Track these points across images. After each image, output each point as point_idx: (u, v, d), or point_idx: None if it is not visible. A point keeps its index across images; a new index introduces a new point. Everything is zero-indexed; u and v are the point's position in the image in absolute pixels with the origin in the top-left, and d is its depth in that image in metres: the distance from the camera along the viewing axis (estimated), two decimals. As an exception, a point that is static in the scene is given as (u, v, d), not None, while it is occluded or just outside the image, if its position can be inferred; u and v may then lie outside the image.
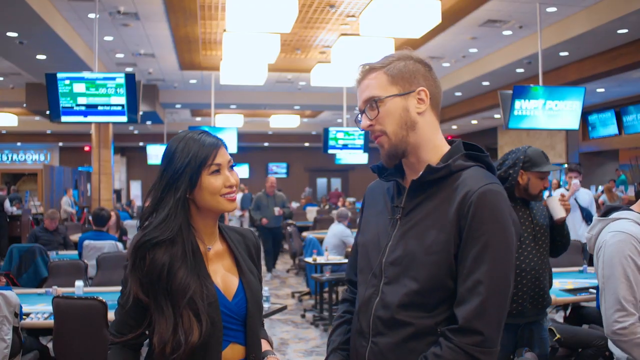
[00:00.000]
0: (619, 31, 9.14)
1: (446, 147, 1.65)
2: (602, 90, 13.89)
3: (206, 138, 1.72)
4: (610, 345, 2.36)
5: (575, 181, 6.96)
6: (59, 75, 7.05)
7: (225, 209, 1.72)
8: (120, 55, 12.01)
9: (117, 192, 21.96)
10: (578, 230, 6.88)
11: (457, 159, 1.60)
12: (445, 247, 1.52)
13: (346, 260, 7.48)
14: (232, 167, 1.75)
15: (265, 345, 1.88)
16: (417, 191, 1.61)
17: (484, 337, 1.45)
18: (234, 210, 1.75)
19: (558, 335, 3.56)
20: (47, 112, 7.33)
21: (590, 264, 6.22)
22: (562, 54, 10.58)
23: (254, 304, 1.78)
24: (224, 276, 1.76)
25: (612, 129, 15.64)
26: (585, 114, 15.29)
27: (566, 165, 7.35)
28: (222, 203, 1.71)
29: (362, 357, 1.63)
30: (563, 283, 5.02)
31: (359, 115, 1.69)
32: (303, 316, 7.44)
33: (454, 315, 1.51)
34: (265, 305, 4.70)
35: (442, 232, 1.53)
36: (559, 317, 6.05)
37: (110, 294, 4.62)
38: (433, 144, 1.63)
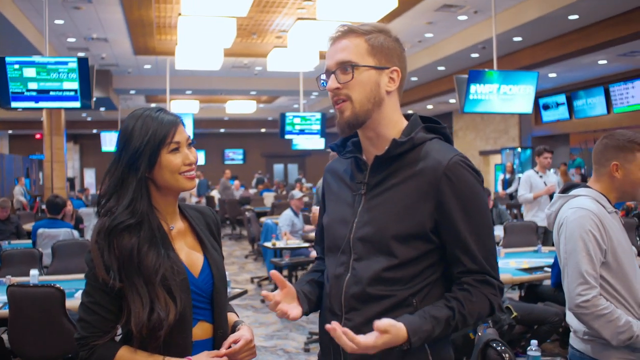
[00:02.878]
0: (570, 17, 9.34)
1: (403, 122, 1.66)
2: (554, 75, 14.18)
3: (164, 116, 1.69)
4: (569, 318, 2.42)
5: (555, 179, 7.10)
6: (8, 59, 6.81)
7: (185, 187, 1.70)
8: (71, 40, 11.72)
9: (71, 180, 21.50)
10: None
11: (418, 131, 1.61)
12: (420, 220, 1.54)
13: (305, 244, 7.52)
14: (190, 144, 1.73)
15: (233, 317, 1.87)
16: (381, 166, 1.61)
17: (499, 289, 1.61)
18: (193, 189, 1.73)
19: (515, 313, 3.65)
20: (-4, 98, 7.09)
21: (545, 243, 6.38)
22: (515, 39, 10.75)
23: (220, 279, 1.77)
24: (188, 254, 1.74)
25: (564, 114, 15.99)
26: (537, 98, 15.61)
27: (539, 147, 7.42)
28: (182, 181, 1.69)
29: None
30: (519, 263, 5.13)
31: (322, 75, 1.65)
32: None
33: (429, 285, 1.58)
34: (226, 290, 4.67)
35: (415, 205, 1.54)
36: (515, 295, 6.18)
37: (66, 282, 4.53)
38: (394, 121, 1.64)
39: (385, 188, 1.60)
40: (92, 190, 20.96)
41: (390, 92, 1.62)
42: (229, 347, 1.71)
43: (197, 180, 1.73)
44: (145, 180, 1.66)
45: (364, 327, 1.55)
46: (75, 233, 6.25)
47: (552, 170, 7.22)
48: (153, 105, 17.64)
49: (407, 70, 1.68)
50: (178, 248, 1.71)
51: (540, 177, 7.08)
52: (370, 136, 1.64)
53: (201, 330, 1.72)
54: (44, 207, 11.37)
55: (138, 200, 1.63)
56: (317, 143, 16.50)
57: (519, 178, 7.55)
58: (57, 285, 3.63)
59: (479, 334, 2.42)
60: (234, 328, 1.83)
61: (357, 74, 1.57)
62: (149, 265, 1.60)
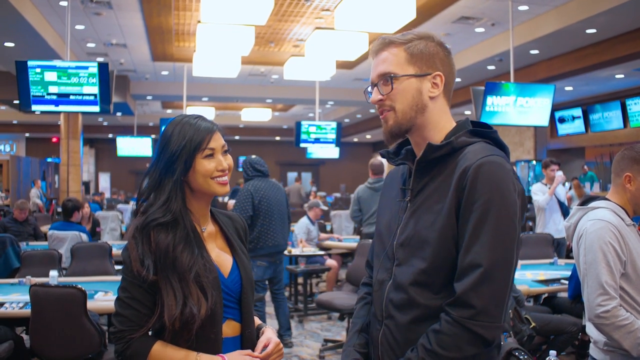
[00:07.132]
0: (588, 31, 9.33)
1: (451, 126, 1.64)
2: (571, 88, 14.14)
3: (201, 123, 1.78)
4: (589, 329, 2.44)
5: (560, 172, 7.09)
6: (30, 63, 6.92)
7: (217, 192, 1.78)
8: (91, 45, 11.84)
9: (86, 184, 21.67)
10: (558, 226, 6.93)
11: (460, 135, 1.58)
12: (448, 223, 1.50)
13: (321, 252, 7.55)
14: (226, 151, 1.81)
15: (256, 320, 1.94)
16: (423, 171, 1.61)
17: (477, 310, 1.42)
18: (225, 194, 1.79)
19: (534, 324, 3.66)
20: (15, 102, 7.19)
21: (562, 256, 6.36)
22: (532, 52, 10.75)
23: (248, 281, 1.85)
24: (218, 255, 1.83)
25: (580, 127, 15.93)
26: (553, 111, 15.59)
27: (545, 159, 7.43)
28: (214, 186, 1.77)
29: (376, 340, 1.65)
30: (535, 274, 5.14)
31: (369, 88, 1.68)
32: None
33: None
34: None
35: (444, 209, 1.51)
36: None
37: (85, 283, 4.58)
38: (440, 126, 1.63)
39: (426, 193, 1.59)
40: (108, 195, 21.08)
41: (434, 97, 1.61)
42: (262, 349, 1.78)
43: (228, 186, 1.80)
44: (180, 182, 1.74)
45: (398, 334, 1.58)
46: (84, 236, 6.24)
47: (567, 184, 7.18)
48: (169, 111, 17.66)
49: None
50: (209, 249, 1.79)
51: (549, 189, 7.09)
52: (417, 141, 1.65)
53: (230, 328, 1.80)
54: (59, 209, 11.48)
55: (173, 200, 1.72)
56: (331, 152, 16.50)
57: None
58: (79, 286, 3.68)
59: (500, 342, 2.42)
60: (258, 330, 1.90)
61: (397, 84, 1.60)
62: (183, 262, 1.67)
